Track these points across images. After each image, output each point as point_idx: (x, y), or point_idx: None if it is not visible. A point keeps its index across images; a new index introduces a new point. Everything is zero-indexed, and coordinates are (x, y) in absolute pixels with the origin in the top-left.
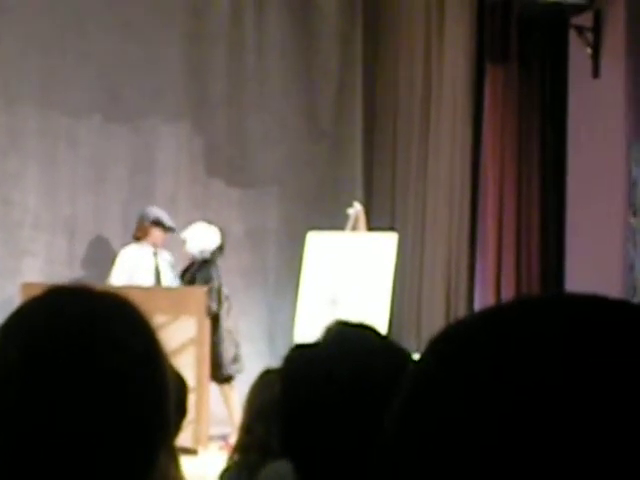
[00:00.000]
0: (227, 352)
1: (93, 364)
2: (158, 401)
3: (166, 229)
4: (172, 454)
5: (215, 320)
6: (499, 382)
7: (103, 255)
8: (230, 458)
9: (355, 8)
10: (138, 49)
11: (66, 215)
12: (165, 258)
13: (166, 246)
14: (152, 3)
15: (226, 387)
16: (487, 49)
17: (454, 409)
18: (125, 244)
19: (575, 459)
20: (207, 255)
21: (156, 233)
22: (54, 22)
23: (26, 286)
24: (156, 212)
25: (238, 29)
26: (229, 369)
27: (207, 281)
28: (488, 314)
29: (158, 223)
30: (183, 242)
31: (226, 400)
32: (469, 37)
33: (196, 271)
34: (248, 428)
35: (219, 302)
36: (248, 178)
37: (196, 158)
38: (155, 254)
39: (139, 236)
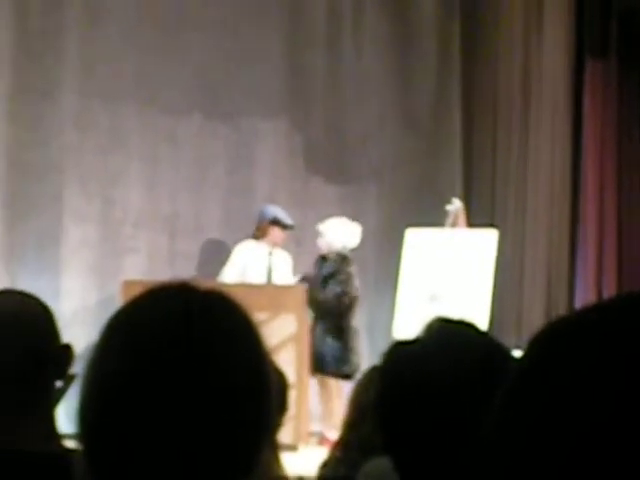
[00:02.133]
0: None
1: (195, 363)
2: (261, 398)
3: (285, 227)
4: (274, 450)
5: (342, 317)
6: (603, 378)
7: (203, 252)
8: (331, 453)
9: (453, 5)
10: (236, 47)
11: (167, 213)
12: (282, 257)
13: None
14: (249, 1)
15: (334, 383)
16: (586, 43)
17: (558, 405)
18: (225, 241)
19: None
20: (346, 251)
21: (275, 232)
22: (152, 22)
23: (127, 284)
24: (274, 211)
25: (336, 26)
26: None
27: (348, 278)
28: (590, 311)
29: (276, 222)
30: (319, 234)
31: (330, 396)
32: (568, 31)
33: (338, 266)
34: (353, 425)
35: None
36: (347, 175)
37: (295, 155)
38: (270, 254)
39: (258, 235)
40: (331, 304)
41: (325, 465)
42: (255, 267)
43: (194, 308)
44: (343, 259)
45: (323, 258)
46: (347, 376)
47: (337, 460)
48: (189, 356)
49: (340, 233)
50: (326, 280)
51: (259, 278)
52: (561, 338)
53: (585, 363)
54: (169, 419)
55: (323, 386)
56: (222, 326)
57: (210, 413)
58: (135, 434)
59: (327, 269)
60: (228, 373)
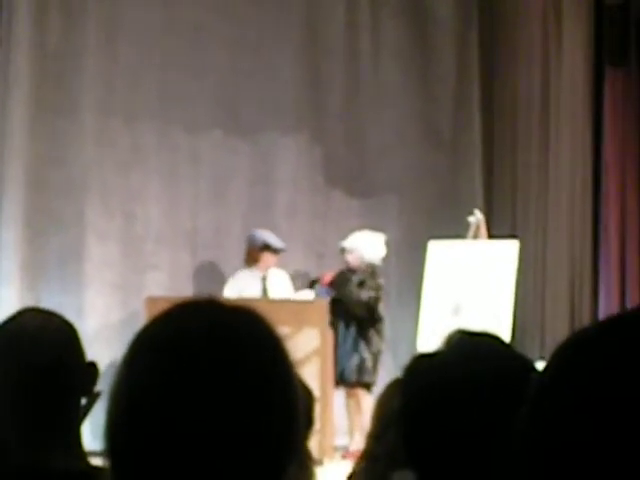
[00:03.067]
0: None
1: (221, 378)
2: (288, 412)
3: (275, 251)
4: (304, 465)
5: (370, 325)
6: (627, 389)
7: (224, 268)
8: (356, 465)
9: (471, 14)
10: (254, 63)
11: (188, 229)
12: (278, 277)
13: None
14: (267, 16)
15: (362, 394)
16: (606, 52)
17: (581, 417)
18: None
19: None
20: (378, 262)
21: (267, 257)
22: (171, 38)
23: (150, 300)
24: (263, 236)
25: (353, 38)
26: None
27: (378, 289)
28: (613, 321)
29: (267, 247)
30: (342, 251)
31: (357, 408)
32: (587, 40)
33: (369, 276)
34: (376, 437)
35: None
36: (367, 188)
37: (315, 169)
38: (264, 278)
39: (249, 261)
40: (364, 307)
41: (350, 477)
42: (250, 294)
43: (220, 323)
44: (373, 271)
45: (350, 271)
46: (367, 385)
47: (362, 471)
48: (216, 371)
49: (369, 246)
50: (357, 287)
51: None
52: (585, 349)
53: (609, 374)
54: (195, 434)
55: (350, 398)
56: (248, 341)
57: (237, 428)
58: (161, 450)
59: (357, 278)
60: (255, 388)
